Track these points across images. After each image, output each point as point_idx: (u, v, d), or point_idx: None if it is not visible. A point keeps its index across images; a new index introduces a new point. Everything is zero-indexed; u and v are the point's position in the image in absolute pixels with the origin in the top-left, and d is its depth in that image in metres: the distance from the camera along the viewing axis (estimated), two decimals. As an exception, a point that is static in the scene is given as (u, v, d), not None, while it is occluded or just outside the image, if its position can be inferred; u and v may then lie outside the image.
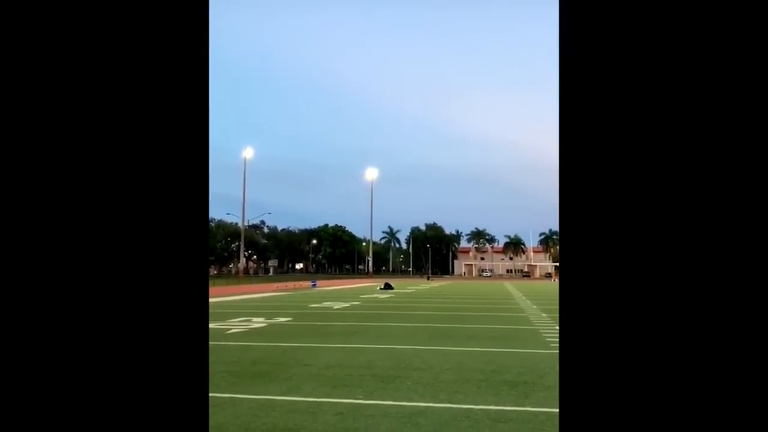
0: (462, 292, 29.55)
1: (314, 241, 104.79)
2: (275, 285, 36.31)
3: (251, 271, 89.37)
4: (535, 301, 20.81)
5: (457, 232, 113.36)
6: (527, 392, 5.14)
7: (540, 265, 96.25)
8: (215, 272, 75.56)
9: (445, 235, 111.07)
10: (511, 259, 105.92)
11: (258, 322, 11.99)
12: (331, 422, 4.12)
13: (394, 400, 4.81)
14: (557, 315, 12.71)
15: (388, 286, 32.36)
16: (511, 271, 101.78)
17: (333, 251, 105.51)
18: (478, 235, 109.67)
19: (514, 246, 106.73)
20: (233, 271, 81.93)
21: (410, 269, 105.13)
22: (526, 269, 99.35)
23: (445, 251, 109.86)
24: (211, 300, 15.56)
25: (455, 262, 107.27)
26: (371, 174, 69.74)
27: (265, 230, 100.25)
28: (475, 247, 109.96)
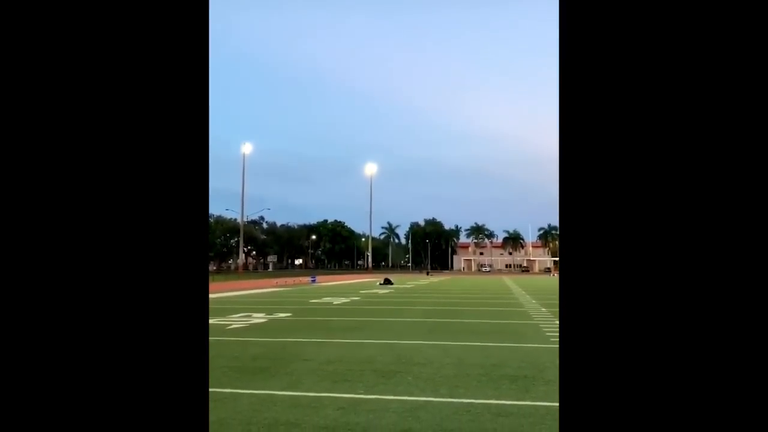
0: (461, 287, 29.60)
1: (313, 237, 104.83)
2: (275, 281, 36.34)
3: (250, 267, 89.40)
4: (535, 295, 20.85)
5: (456, 227, 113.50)
6: (527, 386, 5.16)
7: (539, 260, 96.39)
8: (214, 268, 75.57)
9: (444, 231, 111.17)
10: (510, 254, 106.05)
11: (258, 318, 12.01)
12: (332, 417, 4.14)
13: (395, 395, 4.83)
14: (557, 309, 12.75)
15: (387, 282, 32.40)
16: (510, 266, 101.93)
17: (332, 247, 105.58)
18: (477, 231, 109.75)
19: (513, 241, 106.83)
20: (232, 267, 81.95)
21: (409, 264, 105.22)
22: (525, 264, 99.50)
23: (444, 246, 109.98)
24: (210, 296, 15.57)
25: (454, 257, 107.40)
26: (370, 169, 69.67)
27: (264, 226, 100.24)
28: (474, 242, 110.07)
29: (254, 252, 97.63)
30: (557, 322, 10.80)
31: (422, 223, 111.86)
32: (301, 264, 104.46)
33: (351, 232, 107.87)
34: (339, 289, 27.20)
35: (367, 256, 77.85)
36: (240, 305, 15.65)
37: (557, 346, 8.50)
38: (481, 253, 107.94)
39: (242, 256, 64.46)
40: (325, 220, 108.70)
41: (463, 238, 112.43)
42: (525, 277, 60.66)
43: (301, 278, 40.87)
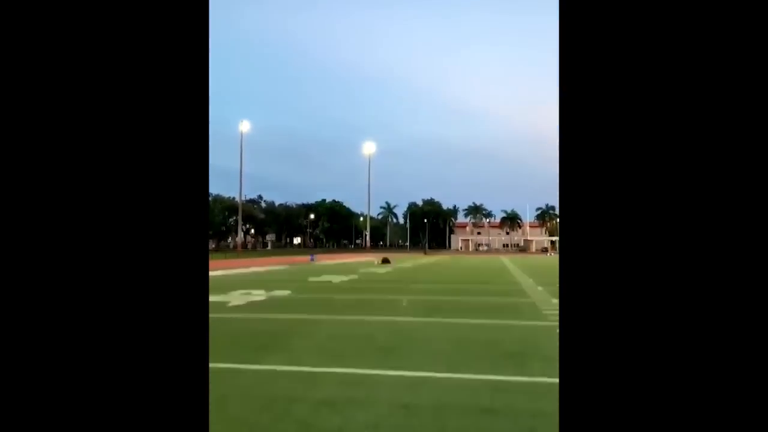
0: (459, 266, 29.76)
1: (312, 216, 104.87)
2: (274, 259, 36.46)
3: (249, 246, 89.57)
4: (531, 274, 21.00)
5: (455, 207, 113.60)
6: (524, 363, 5.23)
7: (536, 240, 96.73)
8: (213, 246, 75.75)
9: (443, 210, 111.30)
10: (507, 233, 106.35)
11: (258, 295, 12.09)
12: (332, 391, 4.21)
13: (394, 370, 4.90)
14: (553, 288, 12.89)
15: (385, 261, 32.55)
16: (507, 245, 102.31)
17: (331, 226, 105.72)
18: (475, 210, 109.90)
19: (511, 221, 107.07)
20: (231, 245, 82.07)
21: (407, 244, 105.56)
22: (522, 244, 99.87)
23: (442, 226, 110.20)
24: (210, 274, 15.67)
25: (452, 236, 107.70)
26: (369, 148, 69.33)
27: (263, 205, 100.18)
28: (472, 222, 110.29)
29: (253, 231, 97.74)
30: (554, 300, 10.94)
31: (420, 203, 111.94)
32: (299, 243, 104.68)
33: (349, 211, 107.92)
34: (338, 267, 27.34)
35: (366, 235, 78.02)
36: (239, 283, 15.74)
37: (553, 323, 8.66)
38: (479, 233, 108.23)
39: (241, 234, 64.53)
40: (324, 200, 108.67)
41: (461, 218, 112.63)
42: (522, 256, 60.98)
43: (299, 257, 40.99)
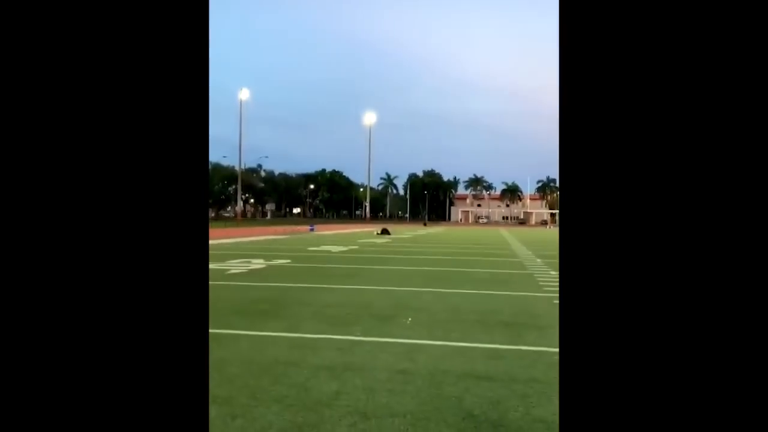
0: (458, 238, 29.89)
1: (312, 186, 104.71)
2: (273, 228, 36.57)
3: (248, 215, 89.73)
4: (530, 247, 21.10)
5: (455, 178, 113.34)
6: (520, 332, 5.31)
7: (536, 212, 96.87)
8: (212, 215, 75.87)
9: (443, 182, 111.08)
10: (507, 206, 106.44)
11: (257, 264, 12.18)
12: (330, 357, 4.28)
13: (391, 337, 4.98)
14: (551, 260, 12.96)
15: (385, 232, 32.64)
16: (507, 218, 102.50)
17: (330, 196, 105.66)
18: (476, 182, 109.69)
19: (511, 193, 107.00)
20: (230, 214, 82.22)
21: (407, 215, 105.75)
22: (522, 216, 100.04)
23: (442, 198, 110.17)
24: (209, 242, 15.73)
25: (452, 208, 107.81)
26: (369, 118, 68.74)
27: (262, 174, 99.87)
28: (473, 194, 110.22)
29: (252, 200, 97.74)
30: (552, 272, 11.00)
31: (421, 174, 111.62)
32: (299, 213, 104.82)
33: (349, 181, 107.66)
34: (337, 238, 27.44)
35: (365, 206, 78.08)
36: (239, 251, 15.83)
37: (549, 294, 8.71)
38: (479, 205, 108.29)
39: (240, 203, 64.60)
40: (324, 170, 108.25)
41: (461, 190, 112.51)
42: (522, 228, 61.15)
43: (299, 227, 41.12)
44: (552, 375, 3.81)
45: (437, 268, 12.05)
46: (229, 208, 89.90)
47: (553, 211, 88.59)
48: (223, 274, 9.96)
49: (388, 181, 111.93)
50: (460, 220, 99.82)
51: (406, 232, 38.68)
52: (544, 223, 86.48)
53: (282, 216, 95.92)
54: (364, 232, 34.70)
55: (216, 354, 4.14)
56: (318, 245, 20.04)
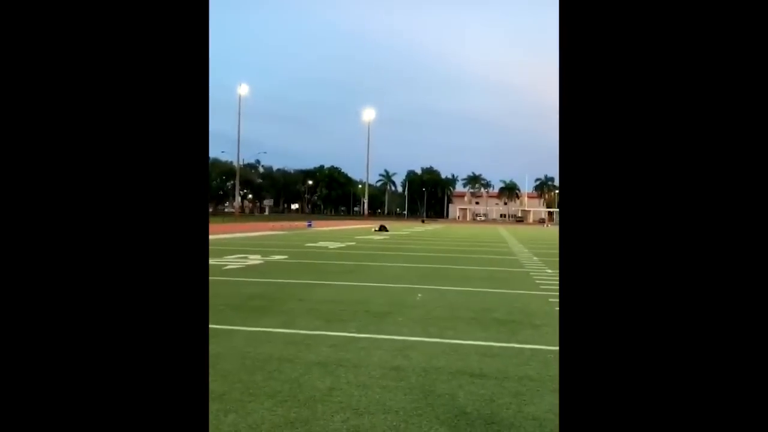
0: (456, 236, 29.90)
1: (310, 182, 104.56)
2: (271, 224, 36.54)
3: (247, 210, 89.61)
4: (527, 245, 21.12)
5: (453, 176, 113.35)
6: (515, 330, 5.32)
7: (534, 211, 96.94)
8: (211, 210, 75.76)
9: (441, 179, 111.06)
10: (505, 204, 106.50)
11: (254, 259, 12.17)
12: (324, 353, 4.29)
13: (386, 334, 4.98)
14: (548, 259, 12.94)
15: (383, 228, 32.65)
16: (504, 215, 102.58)
17: (329, 192, 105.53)
18: (474, 180, 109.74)
19: (509, 191, 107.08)
20: (230, 209, 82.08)
21: (405, 212, 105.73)
22: (520, 214, 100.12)
23: (440, 195, 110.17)
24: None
25: (450, 206, 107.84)
26: (368, 115, 68.60)
27: (261, 170, 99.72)
28: (471, 192, 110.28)
29: (250, 195, 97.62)
30: (548, 270, 10.98)
31: (419, 172, 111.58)
32: (297, 209, 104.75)
33: (348, 178, 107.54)
34: (335, 234, 27.43)
35: (364, 202, 77.99)
36: (236, 247, 15.82)
37: (545, 293, 8.69)
38: (477, 203, 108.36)
39: (238, 199, 64.50)
40: (322, 166, 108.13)
41: (459, 188, 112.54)
42: (519, 227, 61.18)
43: (297, 223, 41.08)
44: (545, 373, 3.82)
45: (434, 266, 12.05)
46: (227, 204, 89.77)
47: (551, 210, 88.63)
48: (219, 270, 9.95)
49: (387, 177, 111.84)
50: (458, 217, 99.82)
51: (403, 229, 38.67)
52: (541, 221, 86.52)
53: (280, 212, 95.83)
54: (362, 229, 34.67)
55: (210, 349, 4.14)
56: (315, 241, 20.03)
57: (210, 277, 8.88)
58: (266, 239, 20.82)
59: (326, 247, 17.15)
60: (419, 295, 5.85)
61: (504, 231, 40.67)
